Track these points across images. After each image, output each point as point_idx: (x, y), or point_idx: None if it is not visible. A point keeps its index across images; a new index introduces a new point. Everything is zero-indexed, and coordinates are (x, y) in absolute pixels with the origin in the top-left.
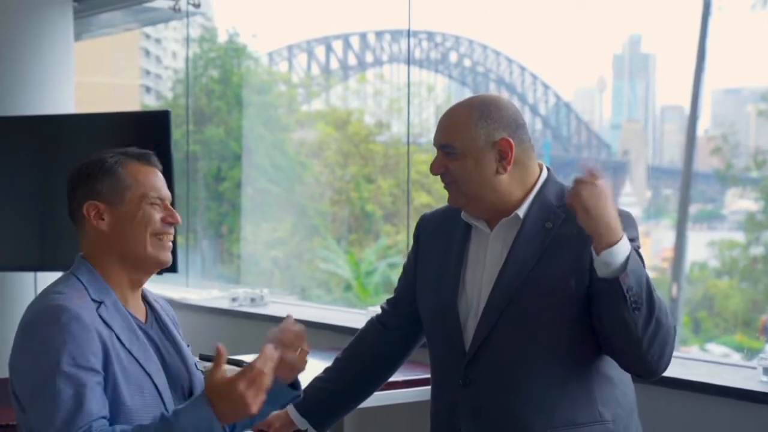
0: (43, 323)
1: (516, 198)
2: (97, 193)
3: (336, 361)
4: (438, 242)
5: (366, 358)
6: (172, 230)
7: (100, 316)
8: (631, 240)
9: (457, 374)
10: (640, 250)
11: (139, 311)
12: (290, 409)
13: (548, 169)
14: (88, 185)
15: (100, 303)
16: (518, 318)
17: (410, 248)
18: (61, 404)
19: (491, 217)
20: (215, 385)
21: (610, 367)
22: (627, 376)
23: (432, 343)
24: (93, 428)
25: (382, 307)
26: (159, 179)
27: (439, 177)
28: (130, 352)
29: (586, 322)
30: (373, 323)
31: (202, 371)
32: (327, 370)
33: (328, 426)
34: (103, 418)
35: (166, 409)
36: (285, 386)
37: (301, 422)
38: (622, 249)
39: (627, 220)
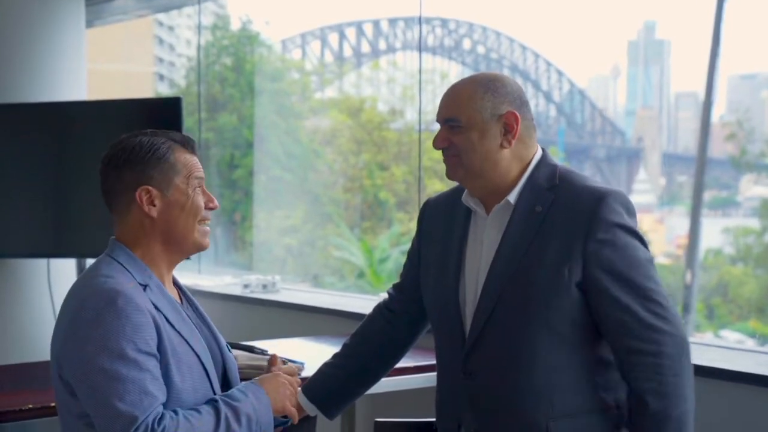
0: (99, 308)
1: (512, 177)
2: (150, 178)
3: (344, 347)
4: (440, 227)
5: (374, 343)
6: (211, 215)
7: (150, 299)
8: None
9: (457, 364)
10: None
11: (174, 294)
12: (299, 396)
13: (543, 150)
14: (138, 169)
15: (145, 286)
16: (513, 306)
17: (415, 233)
18: (126, 390)
19: (487, 196)
20: (264, 377)
21: (612, 353)
22: None
23: (435, 332)
24: (156, 412)
25: (388, 293)
26: (201, 165)
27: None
28: (180, 333)
29: (582, 308)
30: (381, 308)
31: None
32: (335, 356)
33: (337, 412)
34: (162, 404)
35: (213, 389)
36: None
37: (310, 408)
38: None
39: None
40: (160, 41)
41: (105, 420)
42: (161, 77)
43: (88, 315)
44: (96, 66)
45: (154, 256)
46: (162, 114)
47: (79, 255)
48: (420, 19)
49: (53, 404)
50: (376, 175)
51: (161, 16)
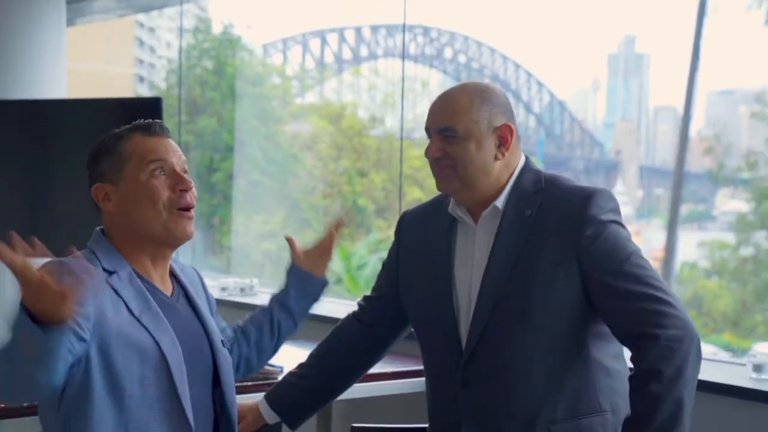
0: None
1: (499, 185)
2: (101, 175)
3: (311, 358)
4: (422, 239)
5: (342, 354)
6: (188, 198)
7: (110, 284)
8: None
9: (455, 373)
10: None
11: (166, 284)
12: (261, 403)
13: (525, 156)
14: (94, 168)
15: (112, 273)
16: (511, 312)
17: (391, 246)
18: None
19: (476, 206)
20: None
21: (607, 357)
22: (624, 368)
23: (426, 342)
24: None
25: (359, 304)
26: (165, 147)
27: (430, 170)
28: (138, 321)
29: (580, 311)
30: (350, 320)
31: (228, 349)
32: (301, 366)
33: (300, 422)
34: None
35: (175, 384)
36: (315, 277)
37: (270, 417)
38: None
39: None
40: (141, 43)
41: None
42: (141, 79)
43: None
44: (75, 66)
45: (131, 250)
46: (142, 114)
47: (59, 255)
48: (404, 26)
49: (26, 404)
50: (356, 182)
51: (142, 18)
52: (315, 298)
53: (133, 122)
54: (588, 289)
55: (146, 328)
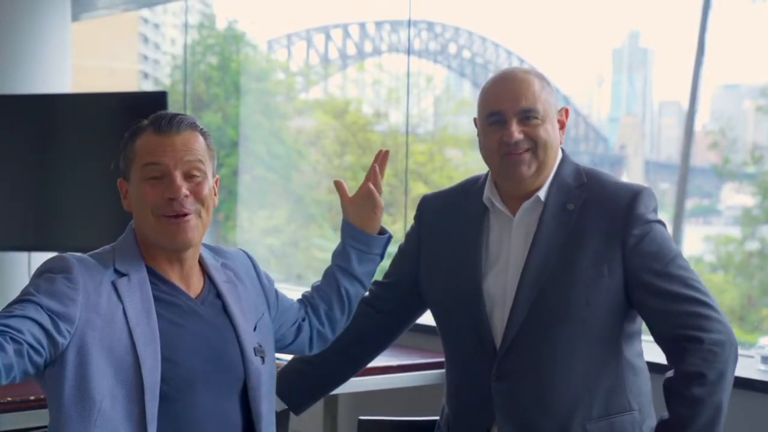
0: (36, 274)
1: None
2: (121, 170)
3: None
4: (447, 226)
5: (351, 341)
6: (175, 207)
7: (115, 286)
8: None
9: (488, 368)
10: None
11: (191, 285)
12: None
13: (561, 149)
14: (118, 162)
15: (123, 275)
16: (551, 307)
17: (410, 230)
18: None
19: (515, 196)
20: None
21: (633, 355)
22: (645, 367)
23: (452, 334)
24: None
25: (370, 290)
26: (165, 148)
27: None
28: (130, 332)
29: (619, 310)
30: (361, 305)
31: (261, 358)
32: None
33: (305, 407)
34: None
35: (143, 400)
36: (372, 237)
37: (277, 404)
38: None
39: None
40: (145, 39)
41: None
42: (146, 75)
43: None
44: (80, 61)
45: (150, 249)
46: (147, 108)
47: (61, 248)
48: (409, 22)
49: (32, 397)
50: (361, 177)
51: (146, 14)
52: (379, 256)
53: (155, 114)
54: (630, 288)
55: (133, 343)
